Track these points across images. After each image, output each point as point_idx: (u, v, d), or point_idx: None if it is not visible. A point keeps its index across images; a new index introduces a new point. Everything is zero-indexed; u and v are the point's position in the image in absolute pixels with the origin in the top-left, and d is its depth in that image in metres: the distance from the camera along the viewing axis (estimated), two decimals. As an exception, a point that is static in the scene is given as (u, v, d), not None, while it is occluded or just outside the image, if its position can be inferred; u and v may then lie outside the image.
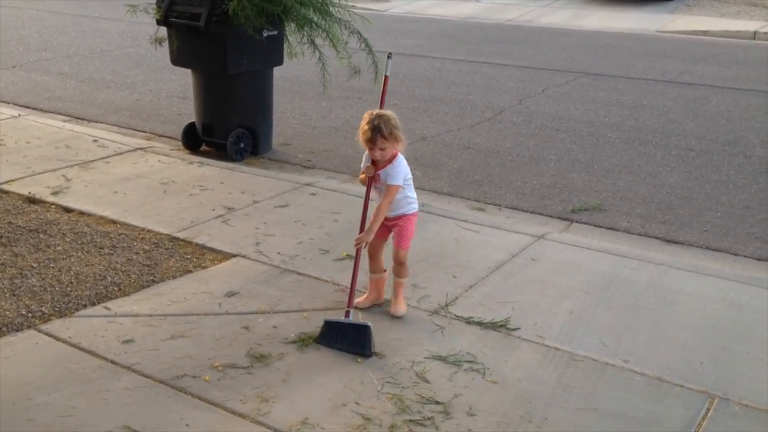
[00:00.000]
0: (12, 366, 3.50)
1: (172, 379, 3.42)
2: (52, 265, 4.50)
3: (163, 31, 6.76)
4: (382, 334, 3.78)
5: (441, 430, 3.15)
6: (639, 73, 10.67)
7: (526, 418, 3.25)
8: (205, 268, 4.55)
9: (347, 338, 3.70)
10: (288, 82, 9.34)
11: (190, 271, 4.50)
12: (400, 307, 4.03)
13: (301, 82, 9.46)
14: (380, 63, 6.35)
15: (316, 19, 6.49)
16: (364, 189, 3.92)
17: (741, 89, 9.81)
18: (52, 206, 5.40)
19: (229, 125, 6.70)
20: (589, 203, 6.05)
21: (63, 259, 4.57)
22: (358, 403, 3.30)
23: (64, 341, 3.70)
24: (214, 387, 3.38)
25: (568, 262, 4.75)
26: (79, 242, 4.82)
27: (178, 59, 6.75)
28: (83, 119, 8.11)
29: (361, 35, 6.56)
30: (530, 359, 3.69)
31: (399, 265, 4.00)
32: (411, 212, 3.97)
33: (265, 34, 6.40)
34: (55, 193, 5.61)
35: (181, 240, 4.91)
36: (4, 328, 3.81)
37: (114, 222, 5.15)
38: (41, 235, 4.89)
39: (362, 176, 3.92)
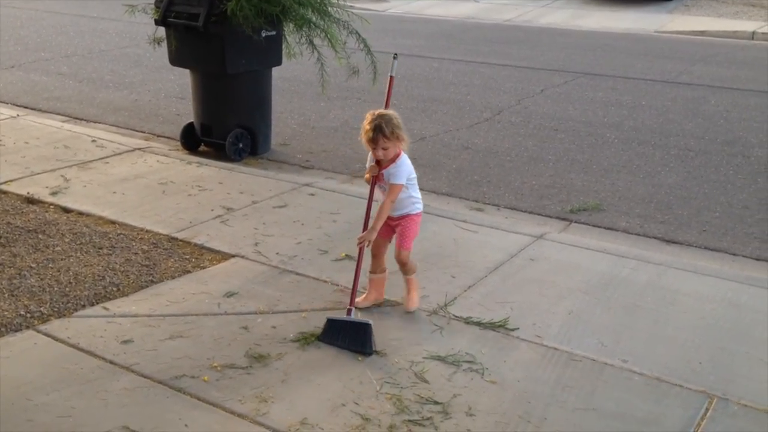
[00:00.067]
0: (11, 366, 3.49)
1: (170, 380, 3.41)
2: (50, 265, 4.50)
3: (161, 31, 6.75)
4: (381, 334, 3.78)
5: (440, 430, 3.15)
6: (637, 73, 10.67)
7: (525, 418, 3.25)
8: (203, 268, 4.55)
9: (348, 336, 3.71)
10: (287, 82, 9.34)
11: (188, 272, 4.50)
12: (413, 303, 4.06)
13: (299, 83, 9.46)
14: (379, 63, 6.38)
15: (314, 19, 6.49)
16: (363, 189, 3.92)
17: (739, 89, 9.81)
18: (51, 206, 5.39)
19: (228, 125, 6.70)
20: (588, 203, 6.05)
21: (62, 260, 4.57)
22: (357, 404, 3.30)
23: (62, 341, 3.70)
24: (213, 387, 3.38)
25: (566, 262, 4.75)
26: (78, 242, 4.81)
27: (176, 59, 6.75)
28: (82, 119, 8.10)
29: (359, 35, 6.56)
30: (529, 359, 3.69)
31: (402, 265, 4.02)
32: (415, 212, 3.97)
33: (263, 35, 6.39)
34: (53, 194, 5.60)
35: (180, 240, 4.91)
36: (2, 329, 3.80)
37: (113, 222, 5.15)
38: (40, 236, 4.89)
39: (367, 176, 3.93)
